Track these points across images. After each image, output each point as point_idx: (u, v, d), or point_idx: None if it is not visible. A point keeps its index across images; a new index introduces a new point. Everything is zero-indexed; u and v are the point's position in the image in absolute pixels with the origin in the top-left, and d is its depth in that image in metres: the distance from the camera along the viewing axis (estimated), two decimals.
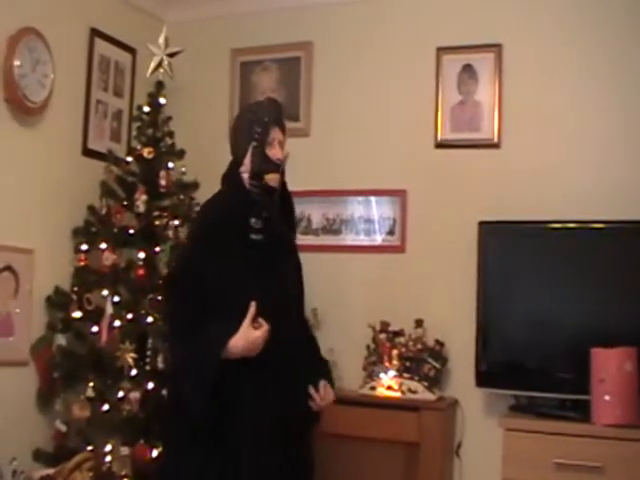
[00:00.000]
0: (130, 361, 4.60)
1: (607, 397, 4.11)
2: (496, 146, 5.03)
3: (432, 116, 5.17)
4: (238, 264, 3.47)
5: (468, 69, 5.13)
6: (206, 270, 3.43)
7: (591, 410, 4.18)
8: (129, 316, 4.71)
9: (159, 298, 4.73)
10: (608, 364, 4.14)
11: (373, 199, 5.25)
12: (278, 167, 3.60)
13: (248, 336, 3.34)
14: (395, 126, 5.25)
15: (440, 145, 5.16)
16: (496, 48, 5.06)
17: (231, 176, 3.68)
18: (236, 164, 3.65)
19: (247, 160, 3.60)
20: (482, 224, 4.75)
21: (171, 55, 5.24)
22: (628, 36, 4.78)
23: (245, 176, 3.59)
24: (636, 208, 4.56)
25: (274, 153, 3.60)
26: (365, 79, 5.31)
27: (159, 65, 5.22)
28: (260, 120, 3.60)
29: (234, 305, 3.39)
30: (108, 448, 4.49)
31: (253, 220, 3.51)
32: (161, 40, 5.21)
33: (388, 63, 5.31)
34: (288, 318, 3.59)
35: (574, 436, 4.15)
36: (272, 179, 3.58)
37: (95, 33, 5.23)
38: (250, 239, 3.50)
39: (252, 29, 5.64)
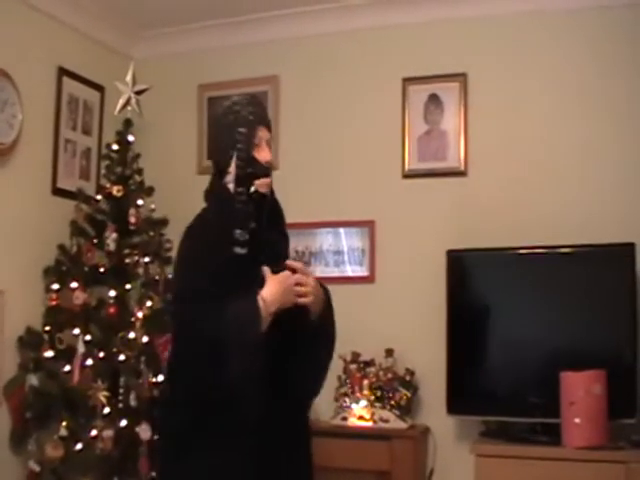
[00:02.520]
0: (102, 399, 4.58)
1: (577, 420, 4.14)
2: (463, 174, 5.07)
3: (399, 146, 5.22)
4: (231, 282, 3.04)
5: (434, 99, 5.18)
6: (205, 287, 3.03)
7: (562, 433, 4.20)
8: (101, 354, 4.70)
9: (130, 336, 4.72)
10: (577, 387, 4.17)
11: (342, 230, 5.28)
12: (268, 171, 3.22)
13: (277, 281, 3.06)
14: (362, 157, 5.29)
15: (407, 175, 5.20)
16: (461, 77, 5.12)
17: (215, 190, 3.26)
18: (219, 175, 3.24)
19: (232, 167, 3.18)
20: (450, 252, 4.78)
21: (139, 92, 5.27)
22: (594, 64, 4.85)
23: (231, 186, 3.18)
24: (603, 232, 4.60)
25: (263, 156, 3.21)
26: (332, 111, 5.36)
27: (127, 103, 5.24)
28: (244, 119, 3.19)
29: None
30: None
31: (238, 232, 3.10)
32: (129, 78, 5.24)
33: (354, 95, 5.35)
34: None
35: (545, 459, 4.18)
36: (262, 184, 3.19)
37: (63, 72, 5.24)
38: (234, 253, 3.10)
39: (218, 64, 5.68)
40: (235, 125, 3.18)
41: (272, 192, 3.29)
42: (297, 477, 3.24)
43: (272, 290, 3.03)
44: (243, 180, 3.16)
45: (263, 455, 3.03)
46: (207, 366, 2.95)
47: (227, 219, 3.13)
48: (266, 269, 3.08)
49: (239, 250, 3.10)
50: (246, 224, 3.13)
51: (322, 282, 3.28)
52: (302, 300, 3.13)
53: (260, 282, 3.08)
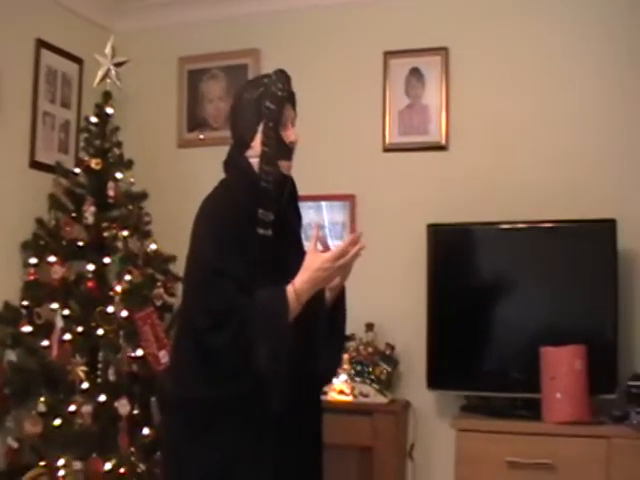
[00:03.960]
0: (81, 375, 4.55)
1: (558, 395, 4.14)
2: (444, 149, 5.05)
3: (380, 120, 5.19)
4: (253, 264, 2.97)
5: (415, 73, 5.15)
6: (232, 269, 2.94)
7: (542, 408, 4.21)
8: (79, 329, 4.66)
9: (109, 311, 4.69)
10: (558, 362, 4.17)
11: (324, 204, 5.26)
12: (292, 152, 3.17)
13: (313, 269, 2.95)
14: (343, 131, 5.26)
15: (388, 149, 5.17)
16: (443, 51, 5.09)
17: (236, 162, 3.17)
18: (239, 147, 3.16)
19: (256, 142, 3.10)
20: (431, 227, 4.76)
21: (118, 65, 5.21)
22: (579, 35, 4.83)
23: (254, 161, 3.10)
24: (585, 207, 4.60)
25: (288, 135, 3.14)
26: (312, 85, 5.29)
27: (106, 75, 5.19)
28: (273, 95, 3.09)
29: None
30: (61, 463, 4.43)
31: (261, 212, 3.03)
32: (108, 50, 5.18)
33: (335, 68, 5.31)
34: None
35: (526, 434, 4.18)
36: (285, 166, 3.14)
37: (41, 44, 5.17)
38: (259, 234, 3.03)
39: (199, 37, 5.63)
40: (263, 99, 3.09)
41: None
42: (309, 455, 3.23)
43: (305, 278, 2.95)
44: (269, 159, 3.08)
45: (281, 436, 2.99)
46: (235, 353, 2.88)
47: (252, 198, 3.05)
48: (316, 231, 3.06)
49: (263, 231, 3.03)
50: (271, 205, 3.07)
51: None
52: (334, 283, 3.11)
53: (284, 265, 3.04)
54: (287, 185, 3.18)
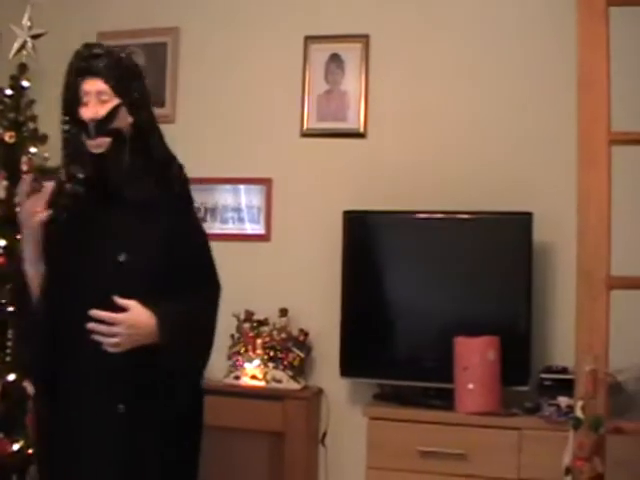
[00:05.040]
0: None
1: (470, 385, 4.17)
2: (362, 136, 5.03)
3: (299, 105, 5.14)
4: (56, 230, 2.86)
5: (335, 59, 5.12)
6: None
7: (455, 398, 4.23)
8: None
9: None
10: (471, 353, 4.19)
11: (242, 187, 5.20)
12: (94, 130, 2.88)
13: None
14: (262, 114, 5.20)
15: (306, 134, 5.13)
16: (364, 38, 5.06)
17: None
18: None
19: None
20: (347, 213, 4.75)
21: (35, 37, 5.05)
22: (495, 27, 4.85)
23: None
24: (500, 199, 4.62)
25: (85, 112, 2.90)
26: (232, 66, 5.25)
27: (22, 47, 5.03)
28: (68, 70, 2.97)
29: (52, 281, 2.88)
30: None
31: (73, 167, 2.91)
32: (25, 21, 5.03)
33: (255, 51, 5.24)
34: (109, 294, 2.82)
35: (438, 424, 4.20)
36: (92, 145, 2.89)
37: None
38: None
39: (119, 13, 5.50)
40: (65, 77, 2.97)
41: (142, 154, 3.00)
42: None
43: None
44: (68, 142, 2.97)
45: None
46: None
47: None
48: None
49: (74, 187, 2.91)
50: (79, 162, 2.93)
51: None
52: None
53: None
54: (109, 167, 2.93)
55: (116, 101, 2.92)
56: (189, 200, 3.24)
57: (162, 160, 3.10)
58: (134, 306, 2.84)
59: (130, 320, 2.82)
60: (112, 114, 2.91)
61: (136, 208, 2.97)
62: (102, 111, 2.89)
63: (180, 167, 3.19)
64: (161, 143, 3.13)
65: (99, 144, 2.90)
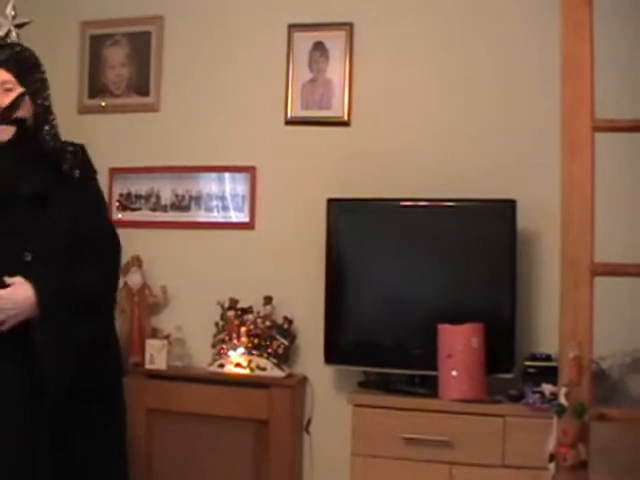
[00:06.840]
0: None
1: (454, 372, 4.17)
2: (346, 124, 5.03)
3: (282, 93, 5.13)
4: None
5: (319, 47, 5.11)
6: None
7: (439, 386, 4.24)
8: None
9: None
10: (455, 340, 4.20)
11: (227, 175, 5.19)
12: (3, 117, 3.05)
13: None
14: (246, 102, 5.19)
15: (290, 122, 5.13)
16: (347, 27, 5.05)
17: None
18: None
19: None
20: (331, 201, 4.74)
21: (19, 26, 5.00)
22: (480, 15, 4.85)
23: None
24: (484, 187, 4.62)
25: None
26: (216, 55, 5.24)
27: (6, 36, 4.99)
28: None
29: None
30: None
31: None
32: (9, 10, 4.98)
33: (239, 39, 5.23)
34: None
35: (422, 411, 4.21)
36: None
37: None
38: None
39: (103, 2, 5.47)
40: None
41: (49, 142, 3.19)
42: None
43: None
44: None
45: None
46: None
47: None
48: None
49: None
50: None
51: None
52: None
53: None
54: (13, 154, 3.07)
55: (20, 90, 3.07)
56: (90, 176, 3.33)
57: (53, 151, 3.22)
58: (18, 282, 2.95)
59: (5, 295, 2.92)
60: (16, 102, 3.05)
61: (35, 202, 3.05)
62: (6, 100, 3.02)
63: (77, 151, 3.28)
64: (54, 133, 3.26)
65: (5, 131, 3.05)
